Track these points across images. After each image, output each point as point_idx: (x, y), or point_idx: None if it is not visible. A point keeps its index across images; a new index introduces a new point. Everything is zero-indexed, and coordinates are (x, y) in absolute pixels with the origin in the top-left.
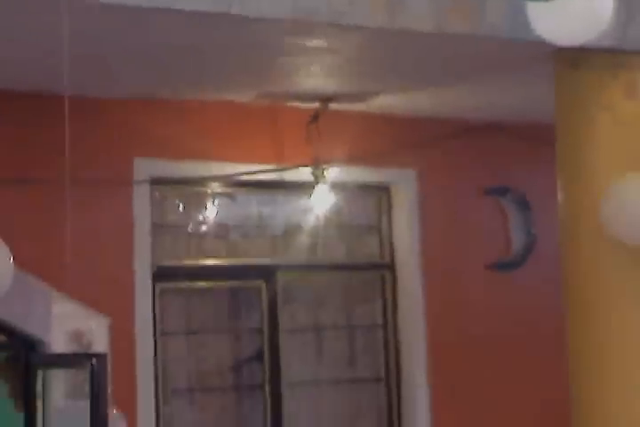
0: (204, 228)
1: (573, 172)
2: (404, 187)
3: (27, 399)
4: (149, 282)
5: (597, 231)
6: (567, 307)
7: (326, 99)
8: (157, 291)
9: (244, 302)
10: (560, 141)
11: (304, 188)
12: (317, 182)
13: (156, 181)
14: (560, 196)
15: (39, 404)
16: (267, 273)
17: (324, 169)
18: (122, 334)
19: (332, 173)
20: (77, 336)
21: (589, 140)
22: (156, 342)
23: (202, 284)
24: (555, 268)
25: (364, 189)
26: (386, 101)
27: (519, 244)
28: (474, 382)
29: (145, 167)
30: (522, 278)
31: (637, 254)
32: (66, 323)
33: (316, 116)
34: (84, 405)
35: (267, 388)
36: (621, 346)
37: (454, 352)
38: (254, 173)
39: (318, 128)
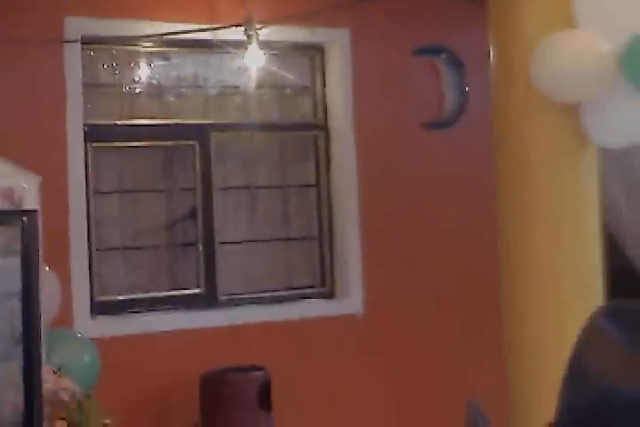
0: (137, 88)
1: (505, 30)
2: (338, 47)
3: None
4: (82, 141)
5: (528, 89)
6: (497, 164)
7: None
8: (90, 150)
9: (178, 162)
10: None
11: (237, 48)
12: (250, 42)
13: (88, 41)
14: (492, 54)
15: None
16: (200, 133)
17: (257, 29)
18: (54, 193)
19: (266, 32)
20: (8, 194)
21: None
22: (88, 201)
23: (135, 143)
24: (487, 127)
25: (298, 49)
26: None
27: (452, 103)
28: (404, 238)
29: (76, 26)
30: (454, 137)
31: (566, 112)
32: None
33: None
34: (16, 262)
35: (200, 246)
36: (549, 203)
37: (386, 211)
38: (187, 32)
39: None
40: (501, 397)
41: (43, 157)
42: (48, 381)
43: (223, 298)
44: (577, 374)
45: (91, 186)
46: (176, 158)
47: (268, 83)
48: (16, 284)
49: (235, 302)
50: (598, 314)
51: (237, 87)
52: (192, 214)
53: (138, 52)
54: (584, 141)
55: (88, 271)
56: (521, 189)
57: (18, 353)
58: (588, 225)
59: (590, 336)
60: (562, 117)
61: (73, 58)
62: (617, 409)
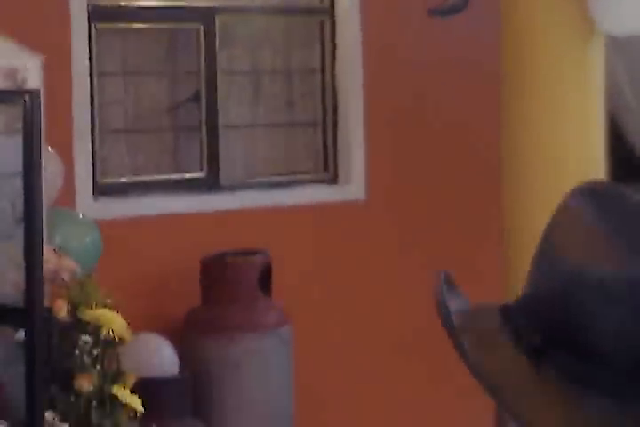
0: None
1: None
2: None
3: None
4: (85, 22)
5: None
6: (503, 51)
7: None
8: (94, 31)
9: (182, 45)
10: None
11: None
12: None
13: None
14: None
15: None
16: (205, 16)
17: None
18: (57, 74)
19: None
20: (11, 74)
21: None
22: (92, 82)
23: (139, 25)
24: (496, 13)
25: None
26: None
27: None
28: (408, 125)
29: None
30: (462, 24)
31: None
32: None
33: None
34: (18, 140)
35: (203, 130)
36: (555, 90)
37: (390, 97)
38: None
39: None
40: (498, 281)
41: (45, 37)
42: (49, 260)
43: (225, 182)
44: (545, 252)
45: (94, 68)
46: (181, 41)
47: None
48: (18, 163)
49: (237, 187)
50: (573, 193)
51: None
52: (196, 98)
53: None
54: (591, 29)
55: (91, 153)
56: (527, 76)
57: (19, 232)
58: (592, 111)
59: (562, 215)
60: (570, 4)
61: None
62: (582, 288)
